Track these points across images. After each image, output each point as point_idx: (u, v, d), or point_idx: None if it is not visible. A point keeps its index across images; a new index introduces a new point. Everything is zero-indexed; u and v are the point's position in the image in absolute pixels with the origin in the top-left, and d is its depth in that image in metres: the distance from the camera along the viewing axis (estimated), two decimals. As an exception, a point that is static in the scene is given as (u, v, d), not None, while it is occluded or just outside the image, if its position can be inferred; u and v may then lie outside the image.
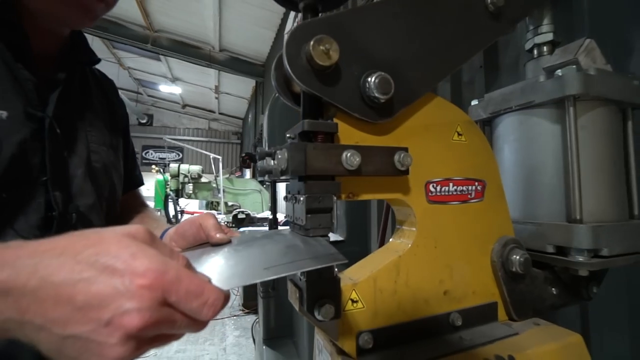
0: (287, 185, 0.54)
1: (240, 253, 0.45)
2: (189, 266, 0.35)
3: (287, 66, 0.47)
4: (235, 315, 4.23)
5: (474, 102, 0.85)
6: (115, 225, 0.74)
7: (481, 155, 0.63)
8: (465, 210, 0.61)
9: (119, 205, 0.75)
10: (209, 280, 0.34)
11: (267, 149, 0.51)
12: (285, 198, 0.55)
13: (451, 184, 0.60)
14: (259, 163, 0.51)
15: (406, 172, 0.53)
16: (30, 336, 0.29)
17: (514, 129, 0.74)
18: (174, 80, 9.82)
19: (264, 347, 1.97)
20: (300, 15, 0.55)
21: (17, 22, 0.54)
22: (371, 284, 0.53)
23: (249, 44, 6.30)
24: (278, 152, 0.47)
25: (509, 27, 0.66)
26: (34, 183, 0.55)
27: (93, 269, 0.29)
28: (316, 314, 0.46)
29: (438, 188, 0.59)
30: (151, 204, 7.28)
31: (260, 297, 2.20)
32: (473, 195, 0.62)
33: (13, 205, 0.52)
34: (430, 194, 0.58)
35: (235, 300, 4.61)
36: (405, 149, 0.53)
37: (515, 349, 0.56)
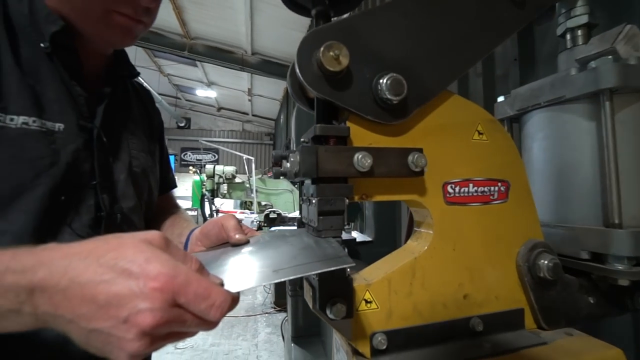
0: (302, 187, 0.56)
1: (254, 255, 0.47)
2: (201, 269, 0.37)
3: (299, 73, 0.48)
4: (267, 313, 4.35)
5: (500, 99, 0.81)
6: (151, 224, 0.79)
7: (505, 154, 0.61)
8: (487, 212, 0.59)
9: (155, 207, 0.81)
10: (221, 283, 0.36)
11: (282, 151, 0.53)
12: (301, 200, 0.56)
13: (471, 185, 0.58)
14: (275, 167, 0.53)
15: (421, 173, 0.53)
16: (63, 328, 0.33)
17: (544, 127, 0.70)
18: (210, 84, 10.28)
19: (292, 345, 2.02)
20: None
21: (73, 46, 0.61)
22: (385, 285, 0.53)
23: (279, 46, 6.44)
24: (291, 155, 0.49)
25: (534, 14, 0.62)
26: (85, 187, 0.60)
27: (113, 271, 0.32)
28: (328, 312, 0.47)
29: (457, 189, 0.57)
30: (189, 203, 7.68)
31: (288, 296, 2.25)
32: (496, 196, 0.60)
33: (69, 207, 0.58)
34: (448, 195, 0.57)
35: (267, 298, 4.74)
36: (420, 150, 0.52)
37: (541, 359, 0.53)
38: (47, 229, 0.55)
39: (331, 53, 0.47)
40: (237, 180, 6.58)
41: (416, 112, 0.55)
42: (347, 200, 0.49)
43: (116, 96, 0.71)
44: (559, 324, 0.62)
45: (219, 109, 13.58)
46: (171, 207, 0.88)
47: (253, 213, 7.61)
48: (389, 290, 0.53)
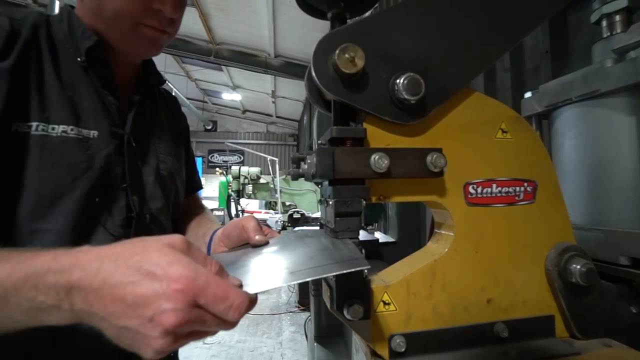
0: (320, 188, 0.56)
1: (272, 256, 0.49)
2: (220, 272, 0.38)
3: (315, 77, 0.49)
4: (291, 312, 4.40)
5: (527, 95, 0.77)
6: (178, 224, 0.82)
7: (531, 153, 0.58)
8: (512, 214, 0.57)
9: (181, 207, 0.85)
10: (240, 285, 0.38)
11: (300, 153, 0.54)
12: (320, 201, 0.57)
13: (494, 185, 0.56)
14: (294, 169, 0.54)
15: (440, 173, 0.51)
16: (97, 324, 0.36)
17: (576, 123, 0.66)
18: (235, 87, 10.56)
19: (315, 344, 2.03)
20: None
21: (106, 59, 0.66)
22: (404, 286, 0.52)
23: (301, 48, 6.50)
24: (308, 157, 0.50)
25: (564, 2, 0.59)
26: (117, 189, 0.64)
27: (139, 273, 0.34)
28: (345, 313, 0.47)
29: (479, 190, 0.56)
30: (216, 203, 7.92)
31: (311, 296, 2.27)
32: (522, 197, 0.57)
33: (103, 208, 0.62)
34: (469, 195, 0.55)
35: (292, 297, 4.79)
36: (439, 150, 0.51)
37: (573, 368, 0.50)
38: (83, 228, 0.59)
39: (346, 55, 0.47)
40: (262, 180, 6.71)
41: (435, 111, 0.54)
42: (364, 202, 0.49)
43: (145, 103, 0.75)
44: (596, 333, 0.59)
45: (244, 111, 13.90)
46: (197, 208, 0.91)
47: (277, 213, 7.72)
48: (407, 292, 0.52)
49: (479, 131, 0.56)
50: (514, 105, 0.54)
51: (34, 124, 0.55)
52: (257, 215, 7.30)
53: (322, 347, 1.98)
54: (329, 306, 0.51)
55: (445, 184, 0.54)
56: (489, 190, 0.56)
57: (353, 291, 0.48)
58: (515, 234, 0.57)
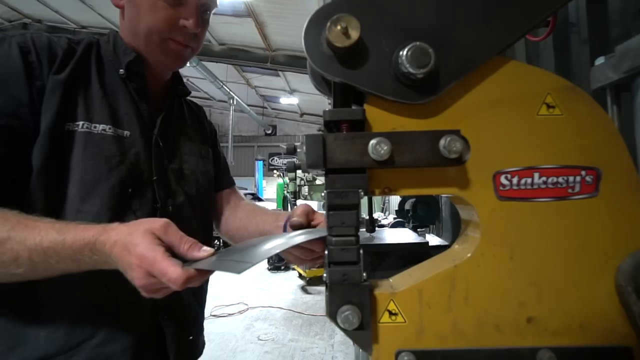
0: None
1: (246, 245, 0.61)
2: (192, 248, 0.52)
3: (306, 54, 0.44)
4: (344, 313, 4.34)
5: (599, 60, 0.61)
6: (208, 216, 0.91)
7: (591, 132, 0.45)
8: (564, 210, 0.44)
9: (215, 200, 0.94)
10: (182, 264, 0.49)
11: (295, 143, 0.50)
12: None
13: (537, 175, 0.45)
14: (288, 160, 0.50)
15: (458, 161, 0.42)
16: (117, 267, 0.53)
17: (664, 91, 0.50)
18: (292, 92, 10.91)
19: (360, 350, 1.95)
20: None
21: (142, 72, 0.76)
22: (415, 295, 0.44)
23: (354, 48, 6.43)
24: (298, 146, 0.45)
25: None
26: (146, 183, 0.73)
27: (126, 249, 0.51)
28: (338, 320, 0.42)
29: (514, 180, 0.45)
30: (274, 204, 8.26)
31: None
32: (577, 189, 0.45)
33: (134, 198, 0.70)
34: (501, 187, 0.45)
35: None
36: (455, 132, 0.42)
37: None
38: (117, 212, 0.66)
39: (338, 27, 0.42)
40: (318, 182, 6.79)
41: (453, 86, 0.44)
42: (362, 193, 0.43)
43: (173, 110, 0.85)
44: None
45: (302, 114, 14.29)
46: (237, 200, 0.99)
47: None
48: (419, 303, 0.44)
49: (515, 108, 0.45)
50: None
51: (80, 122, 0.65)
52: (312, 216, 7.41)
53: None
54: (325, 311, 0.45)
55: (468, 174, 0.45)
56: (529, 180, 0.45)
57: (349, 296, 0.42)
58: (569, 236, 0.44)
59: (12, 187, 0.60)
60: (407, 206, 2.26)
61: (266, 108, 14.23)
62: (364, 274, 0.43)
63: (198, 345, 0.82)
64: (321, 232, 0.59)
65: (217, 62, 8.27)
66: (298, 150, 0.45)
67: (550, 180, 0.45)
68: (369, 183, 0.44)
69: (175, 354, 0.72)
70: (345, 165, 0.43)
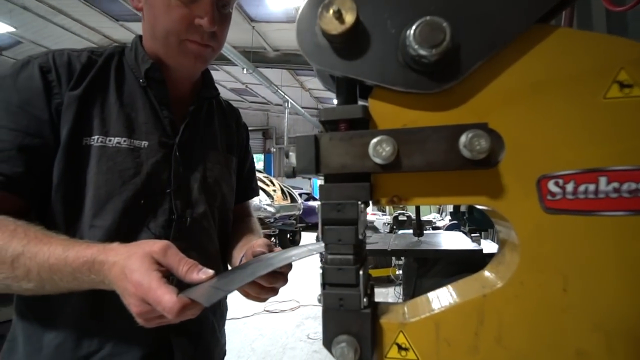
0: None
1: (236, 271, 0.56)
2: (191, 271, 0.49)
3: (299, 47, 0.39)
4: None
5: None
6: (229, 228, 0.87)
7: (692, 119, 0.32)
8: (647, 229, 0.32)
9: (232, 212, 0.88)
10: (177, 292, 0.46)
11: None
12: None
13: (603, 179, 0.33)
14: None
15: (486, 162, 0.33)
16: (115, 289, 0.51)
17: None
18: (344, 92, 10.86)
19: None
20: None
21: (162, 78, 0.74)
22: (430, 328, 0.36)
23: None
24: (290, 149, 0.40)
25: None
26: (162, 193, 0.70)
27: (122, 273, 0.49)
28: (334, 352, 0.36)
29: (569, 186, 0.34)
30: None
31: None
32: (668, 199, 0.32)
33: (148, 209, 0.68)
34: (549, 197, 0.34)
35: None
36: (481, 126, 0.33)
37: None
38: (129, 226, 0.66)
39: (330, 12, 0.36)
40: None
41: (479, 68, 0.35)
42: (361, 205, 0.36)
43: (199, 115, 0.81)
44: None
45: (355, 113, 14.16)
46: (244, 216, 0.94)
47: (385, 214, 7.51)
48: (436, 338, 0.36)
49: (569, 90, 0.34)
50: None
51: (96, 137, 0.65)
52: (365, 216, 7.26)
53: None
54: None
55: (502, 179, 0.35)
56: (592, 187, 0.33)
57: (346, 324, 0.36)
58: (656, 265, 0.32)
59: (37, 203, 0.63)
60: (463, 208, 2.06)
61: (320, 109, 14.40)
62: (365, 300, 0.36)
63: (214, 355, 0.80)
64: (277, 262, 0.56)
65: (272, 67, 8.61)
66: (290, 153, 0.40)
67: (624, 187, 0.33)
68: (371, 192, 0.37)
69: None
70: (342, 171, 0.37)
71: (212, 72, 0.91)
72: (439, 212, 7.65)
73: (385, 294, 5.06)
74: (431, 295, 0.41)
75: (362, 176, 0.38)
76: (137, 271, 0.47)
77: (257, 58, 8.37)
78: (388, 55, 0.37)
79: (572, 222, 0.34)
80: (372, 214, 6.98)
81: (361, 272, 0.36)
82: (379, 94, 0.39)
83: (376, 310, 0.40)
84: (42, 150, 0.61)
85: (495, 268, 0.39)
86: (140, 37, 0.76)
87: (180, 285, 0.48)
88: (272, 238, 7.96)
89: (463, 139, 0.33)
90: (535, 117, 0.35)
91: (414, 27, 0.34)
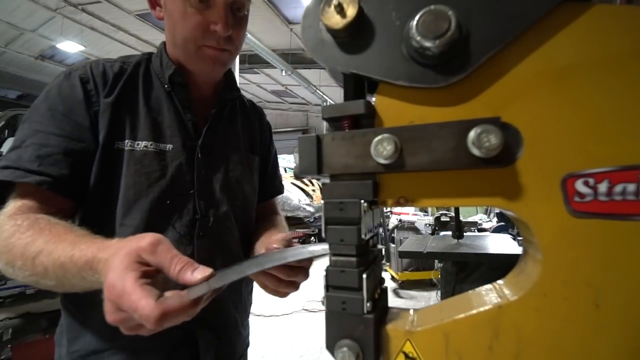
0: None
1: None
2: (184, 270, 0.44)
3: (303, 43, 0.39)
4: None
5: None
6: (250, 224, 0.87)
7: None
8: None
9: (254, 211, 0.90)
10: (157, 297, 0.41)
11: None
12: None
13: (645, 179, 0.28)
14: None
15: (498, 160, 0.30)
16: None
17: None
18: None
19: None
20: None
21: (186, 83, 0.78)
22: (439, 338, 0.34)
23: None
24: (295, 149, 0.40)
25: None
26: (186, 194, 0.74)
27: (105, 276, 0.45)
28: (336, 357, 0.35)
29: (602, 187, 0.29)
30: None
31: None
32: None
33: (173, 210, 0.72)
34: (576, 198, 0.30)
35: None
36: (493, 120, 0.30)
37: None
38: (155, 226, 0.69)
39: (332, 6, 0.35)
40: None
41: (492, 57, 0.32)
42: (364, 204, 0.35)
43: (222, 117, 0.84)
44: None
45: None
46: (269, 214, 0.95)
47: (427, 215, 7.20)
48: (445, 350, 0.34)
49: (604, 74, 0.30)
50: None
51: (126, 141, 0.70)
52: (404, 217, 7.01)
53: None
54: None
55: (520, 178, 0.32)
56: (632, 187, 0.29)
57: (348, 329, 0.35)
58: None
59: (79, 204, 0.68)
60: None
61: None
62: (368, 304, 0.35)
63: (237, 350, 0.82)
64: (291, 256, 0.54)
65: (310, 68, 8.71)
66: (294, 154, 0.40)
67: (673, 186, 0.28)
68: (374, 191, 0.36)
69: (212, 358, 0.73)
70: (345, 171, 0.36)
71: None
72: (486, 212, 7.16)
73: (427, 298, 4.87)
74: (444, 302, 0.38)
75: (365, 176, 0.36)
76: (113, 270, 0.42)
77: (295, 59, 8.53)
78: (392, 49, 0.35)
79: (606, 228, 0.29)
80: (413, 214, 6.73)
81: (364, 276, 0.35)
82: (384, 89, 0.37)
83: (385, 316, 0.39)
84: (83, 154, 0.67)
85: (516, 277, 0.35)
86: (164, 43, 0.80)
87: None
88: (312, 237, 8.05)
89: (472, 135, 0.31)
90: (560, 108, 0.31)
91: (417, 17, 0.32)
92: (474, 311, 0.33)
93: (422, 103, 0.35)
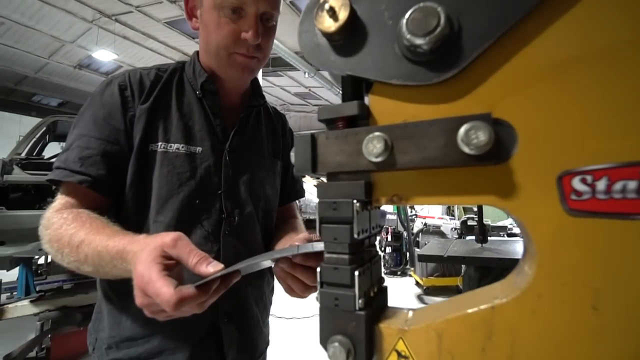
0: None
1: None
2: (200, 263, 0.51)
3: (300, 47, 0.40)
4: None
5: None
6: (271, 225, 0.94)
7: None
8: None
9: (275, 212, 0.94)
10: (177, 285, 0.48)
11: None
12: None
13: (648, 176, 0.27)
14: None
15: (490, 157, 0.30)
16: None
17: None
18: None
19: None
20: None
21: (216, 90, 0.83)
22: (431, 337, 0.33)
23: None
24: (293, 148, 0.41)
25: None
26: (214, 194, 0.79)
27: (135, 267, 0.52)
28: (327, 351, 0.35)
29: (600, 184, 0.28)
30: (390, 206, 8.05)
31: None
32: None
33: (202, 208, 0.78)
34: (573, 196, 0.29)
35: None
36: (483, 117, 0.30)
37: None
38: (185, 223, 0.75)
39: (325, 11, 0.36)
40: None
41: (485, 52, 0.32)
42: (357, 204, 0.35)
43: (248, 122, 0.89)
44: None
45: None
46: (289, 217, 1.00)
47: (453, 219, 6.98)
48: (438, 349, 0.33)
49: (604, 65, 0.29)
50: None
51: (159, 143, 0.77)
52: (429, 221, 6.83)
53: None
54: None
55: (514, 175, 0.31)
56: (633, 185, 0.27)
57: (340, 325, 0.35)
58: None
59: (116, 201, 0.75)
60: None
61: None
62: (360, 301, 0.35)
63: (259, 346, 0.85)
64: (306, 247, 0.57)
65: (331, 70, 8.71)
66: (291, 153, 0.41)
67: (678, 183, 0.26)
68: (367, 191, 0.36)
69: (234, 354, 0.76)
70: (339, 169, 0.37)
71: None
72: (516, 216, 6.80)
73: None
74: (444, 302, 0.38)
75: (359, 174, 0.37)
76: (141, 263, 0.50)
77: (317, 62, 8.55)
78: (385, 49, 0.36)
79: (604, 227, 0.28)
80: (439, 218, 6.55)
81: (357, 273, 0.35)
82: (378, 89, 0.37)
83: (381, 314, 0.39)
84: (119, 156, 0.73)
85: (514, 277, 0.34)
86: (197, 52, 0.86)
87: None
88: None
89: (461, 131, 0.30)
90: (556, 102, 0.30)
91: (407, 15, 0.32)
92: (468, 311, 0.32)
93: (416, 101, 0.35)
